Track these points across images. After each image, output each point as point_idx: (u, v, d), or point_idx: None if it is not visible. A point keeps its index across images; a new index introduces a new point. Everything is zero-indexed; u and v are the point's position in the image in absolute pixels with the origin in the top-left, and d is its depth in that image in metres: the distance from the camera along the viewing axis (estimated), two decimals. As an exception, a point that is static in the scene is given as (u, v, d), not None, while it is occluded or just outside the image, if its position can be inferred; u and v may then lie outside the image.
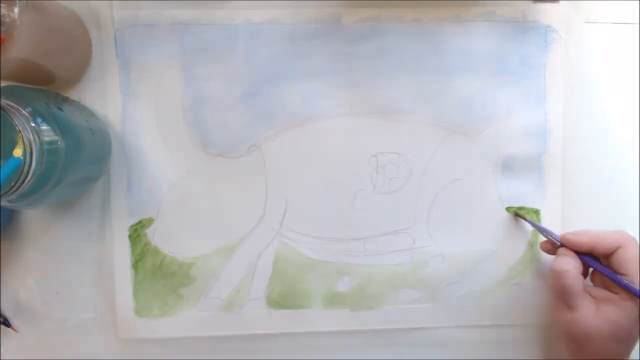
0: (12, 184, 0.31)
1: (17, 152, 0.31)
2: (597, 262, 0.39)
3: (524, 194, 0.45)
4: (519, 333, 0.46)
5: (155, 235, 0.43)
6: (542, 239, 0.45)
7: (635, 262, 0.37)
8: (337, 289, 0.44)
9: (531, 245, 0.45)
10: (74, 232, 0.43)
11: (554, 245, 0.42)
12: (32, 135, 0.31)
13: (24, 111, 0.32)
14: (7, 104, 0.31)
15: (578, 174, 0.45)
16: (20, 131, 0.31)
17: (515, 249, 0.45)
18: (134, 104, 0.42)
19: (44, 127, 0.32)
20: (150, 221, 0.43)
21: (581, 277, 0.39)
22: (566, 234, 0.40)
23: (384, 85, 0.43)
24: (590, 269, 0.41)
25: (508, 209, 0.44)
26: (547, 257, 0.45)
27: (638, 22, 0.44)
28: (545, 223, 0.45)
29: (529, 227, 0.45)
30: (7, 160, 0.31)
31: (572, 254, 0.39)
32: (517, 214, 0.44)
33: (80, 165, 0.36)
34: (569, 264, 0.38)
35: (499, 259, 0.45)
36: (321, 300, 0.44)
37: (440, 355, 0.45)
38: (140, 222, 0.43)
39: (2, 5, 0.31)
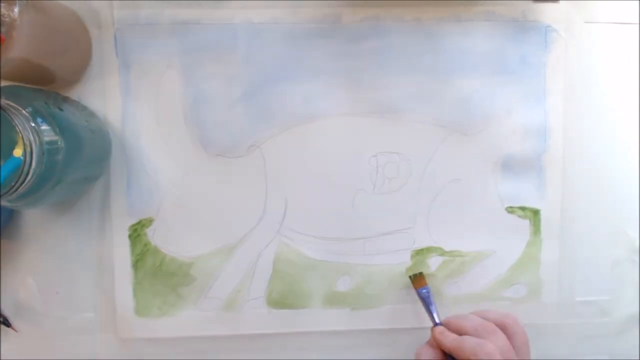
0: (12, 184, 0.31)
1: (17, 152, 0.31)
2: None
3: (523, 193, 0.45)
4: (519, 333, 0.46)
5: (155, 235, 0.43)
6: (543, 240, 0.45)
7: None
8: (337, 289, 0.44)
9: (531, 245, 0.45)
10: (74, 232, 0.43)
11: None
12: (32, 135, 0.31)
13: (24, 111, 0.32)
14: (7, 104, 0.31)
15: (578, 174, 0.45)
16: (20, 131, 0.31)
17: (515, 249, 0.45)
18: (133, 103, 0.42)
19: (44, 127, 0.32)
20: (150, 221, 0.43)
21: None
22: (436, 331, 0.38)
23: (383, 84, 0.43)
24: None
25: (412, 276, 0.44)
26: (547, 258, 0.45)
27: (638, 22, 0.44)
28: (545, 223, 0.45)
29: (528, 227, 0.45)
30: (7, 160, 0.31)
31: (435, 345, 0.38)
32: (413, 277, 0.43)
33: (80, 165, 0.36)
34: (424, 356, 0.38)
35: (499, 259, 0.45)
36: (321, 300, 0.44)
37: (440, 355, 0.45)
38: (140, 221, 0.43)
39: (2, 5, 0.31)
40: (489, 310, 0.40)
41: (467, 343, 0.36)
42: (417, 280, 0.43)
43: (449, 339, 0.37)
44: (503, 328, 0.37)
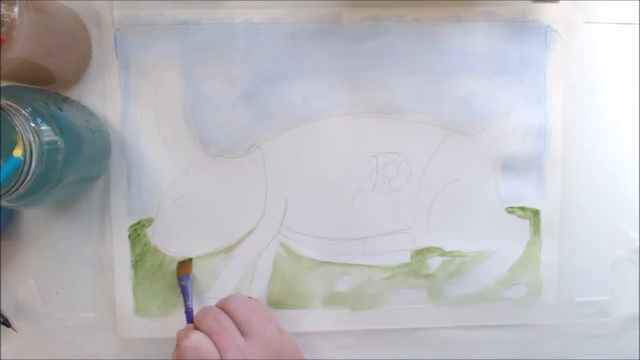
0: (12, 184, 0.31)
1: (17, 152, 0.31)
2: None
3: (524, 194, 0.45)
4: (518, 333, 0.46)
5: (155, 235, 0.43)
6: (543, 240, 0.45)
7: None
8: (337, 289, 0.44)
9: (531, 245, 0.45)
10: (74, 232, 0.43)
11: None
12: (32, 136, 0.31)
13: (24, 111, 0.32)
14: (7, 104, 0.31)
15: (578, 174, 0.45)
16: (20, 131, 0.31)
17: (515, 249, 0.45)
18: (133, 103, 0.42)
19: (44, 127, 0.32)
20: (150, 221, 0.43)
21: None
22: (180, 331, 0.39)
23: (383, 85, 0.43)
24: None
25: (179, 262, 0.43)
26: (547, 258, 0.45)
27: (638, 22, 0.44)
28: (545, 223, 0.45)
29: (528, 227, 0.45)
30: (7, 160, 0.31)
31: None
32: (180, 265, 0.43)
33: (80, 165, 0.36)
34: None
35: (499, 259, 0.45)
36: (321, 300, 0.44)
37: (440, 355, 0.45)
38: (140, 222, 0.43)
39: (2, 5, 0.31)
40: (223, 300, 0.40)
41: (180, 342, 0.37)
42: (183, 266, 0.43)
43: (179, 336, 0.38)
44: (224, 308, 0.38)
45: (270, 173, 0.43)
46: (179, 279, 0.42)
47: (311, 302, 0.44)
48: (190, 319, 0.41)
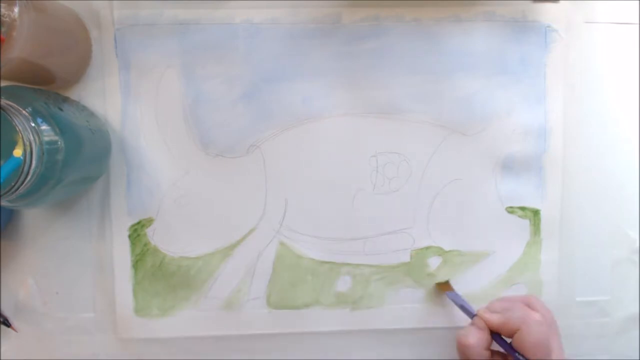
0: (12, 184, 0.31)
1: (17, 152, 0.31)
2: (503, 340, 0.40)
3: (523, 194, 0.45)
4: (519, 333, 0.46)
5: (155, 235, 0.43)
6: (543, 240, 0.45)
7: (532, 346, 0.37)
8: (337, 289, 0.44)
9: (531, 245, 0.45)
10: (74, 232, 0.43)
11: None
12: (32, 135, 0.31)
13: (24, 111, 0.32)
14: (7, 104, 0.31)
15: (578, 174, 0.45)
16: (20, 131, 0.31)
17: (515, 249, 0.45)
18: (133, 103, 0.42)
19: (44, 127, 0.32)
20: (150, 221, 0.43)
21: (484, 351, 0.39)
22: (480, 311, 0.41)
23: (383, 85, 0.43)
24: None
25: (437, 283, 0.44)
26: (547, 258, 0.45)
27: (638, 22, 0.44)
28: (545, 223, 0.45)
29: (528, 227, 0.45)
30: (7, 160, 0.31)
31: (481, 326, 0.40)
32: (440, 285, 0.44)
33: (80, 165, 0.36)
34: (472, 338, 0.39)
35: (499, 259, 0.45)
36: (321, 300, 0.44)
37: (439, 355, 0.46)
38: (140, 222, 0.43)
39: (2, 5, 0.31)
40: (510, 295, 0.44)
41: (514, 314, 0.39)
42: (443, 287, 0.44)
43: (495, 316, 0.40)
44: (528, 305, 0.40)
45: (270, 173, 0.43)
46: (451, 296, 0.43)
47: (311, 302, 0.44)
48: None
